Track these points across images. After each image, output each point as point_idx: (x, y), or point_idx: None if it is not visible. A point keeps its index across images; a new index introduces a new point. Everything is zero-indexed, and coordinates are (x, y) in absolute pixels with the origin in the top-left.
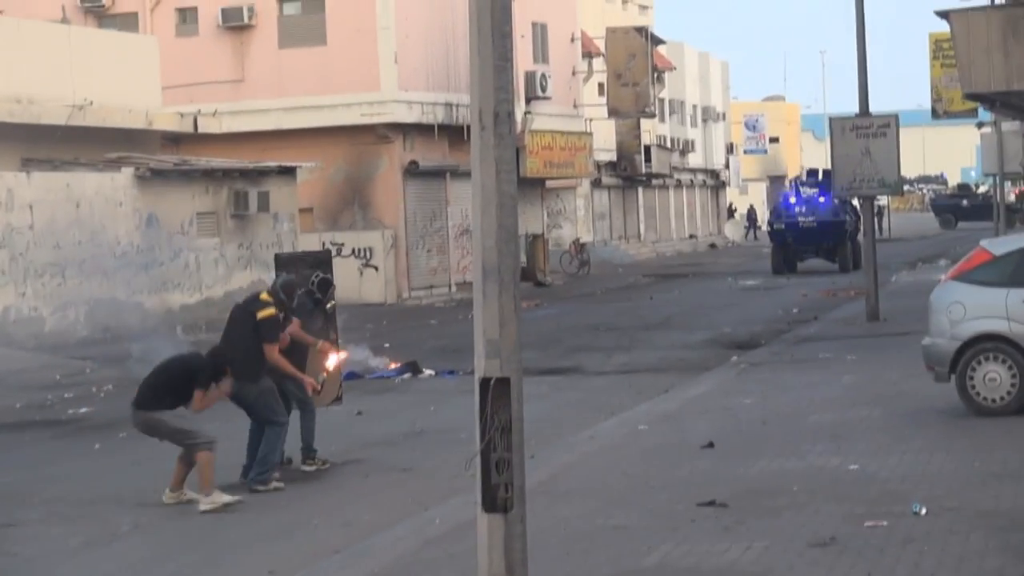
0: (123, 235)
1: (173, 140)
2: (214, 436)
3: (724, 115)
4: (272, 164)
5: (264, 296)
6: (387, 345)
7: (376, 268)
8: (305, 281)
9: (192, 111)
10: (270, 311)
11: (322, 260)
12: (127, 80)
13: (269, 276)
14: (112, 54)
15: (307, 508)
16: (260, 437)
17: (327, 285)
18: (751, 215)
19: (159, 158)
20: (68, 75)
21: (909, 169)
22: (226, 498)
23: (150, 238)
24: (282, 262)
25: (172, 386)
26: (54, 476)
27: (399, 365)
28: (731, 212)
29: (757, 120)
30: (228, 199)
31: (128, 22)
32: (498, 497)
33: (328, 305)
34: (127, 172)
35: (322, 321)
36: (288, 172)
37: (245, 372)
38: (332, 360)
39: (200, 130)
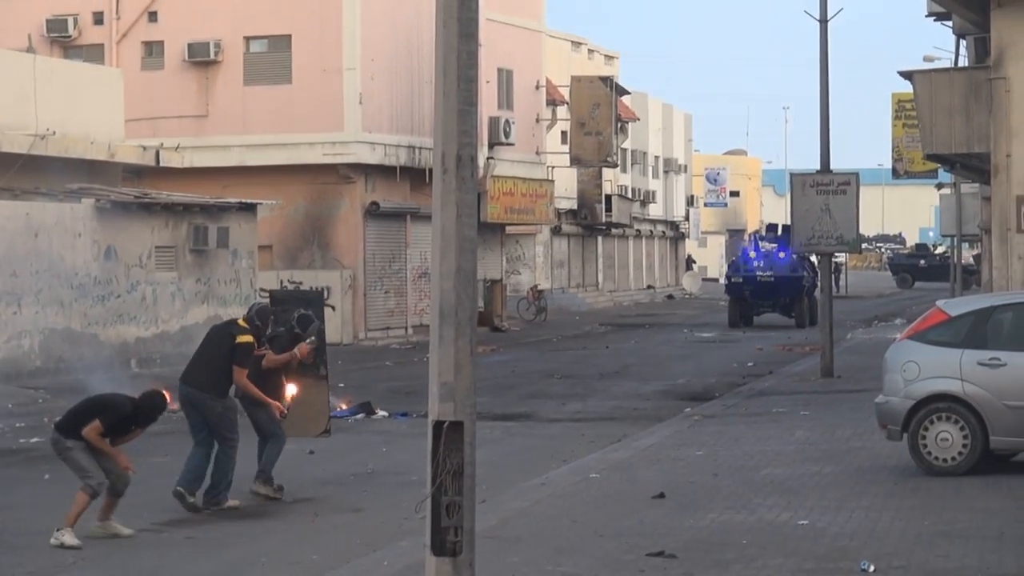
0: (81, 266)
1: (135, 173)
2: (103, 483)
3: (686, 167)
4: (233, 200)
5: (241, 322)
6: (342, 385)
7: (333, 308)
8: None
9: (155, 144)
10: (248, 337)
11: (312, 300)
12: (91, 111)
13: (226, 312)
14: (77, 85)
15: (255, 546)
16: (220, 458)
17: (307, 321)
18: None
19: (120, 190)
20: (31, 104)
21: (868, 227)
22: (70, 540)
23: (108, 270)
24: (276, 299)
25: (84, 418)
26: (2, 505)
27: (353, 405)
28: (690, 264)
29: (718, 173)
30: (187, 234)
31: (94, 53)
32: (447, 541)
33: (308, 340)
34: (87, 203)
35: (313, 357)
36: (249, 209)
37: (213, 388)
38: (291, 389)
39: (162, 164)
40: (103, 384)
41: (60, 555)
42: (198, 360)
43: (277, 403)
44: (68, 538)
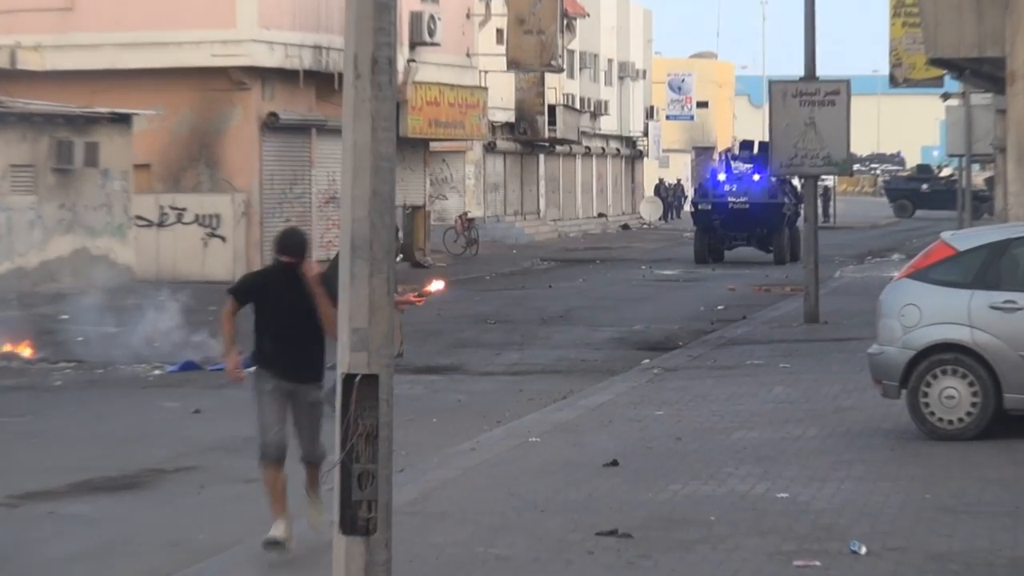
0: None
1: None
2: None
3: (644, 73)
4: (103, 110)
5: None
6: None
7: (223, 239)
8: None
9: (9, 44)
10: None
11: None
12: None
13: (93, 244)
14: None
15: (130, 523)
16: None
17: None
18: None
19: None
20: None
21: (860, 145)
22: None
23: None
24: None
25: None
26: None
27: (245, 355)
28: (658, 190)
29: (683, 80)
30: (49, 150)
31: None
32: (359, 517)
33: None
34: None
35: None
36: (122, 120)
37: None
38: (437, 285)
39: (18, 66)
40: None
41: None
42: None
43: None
44: None
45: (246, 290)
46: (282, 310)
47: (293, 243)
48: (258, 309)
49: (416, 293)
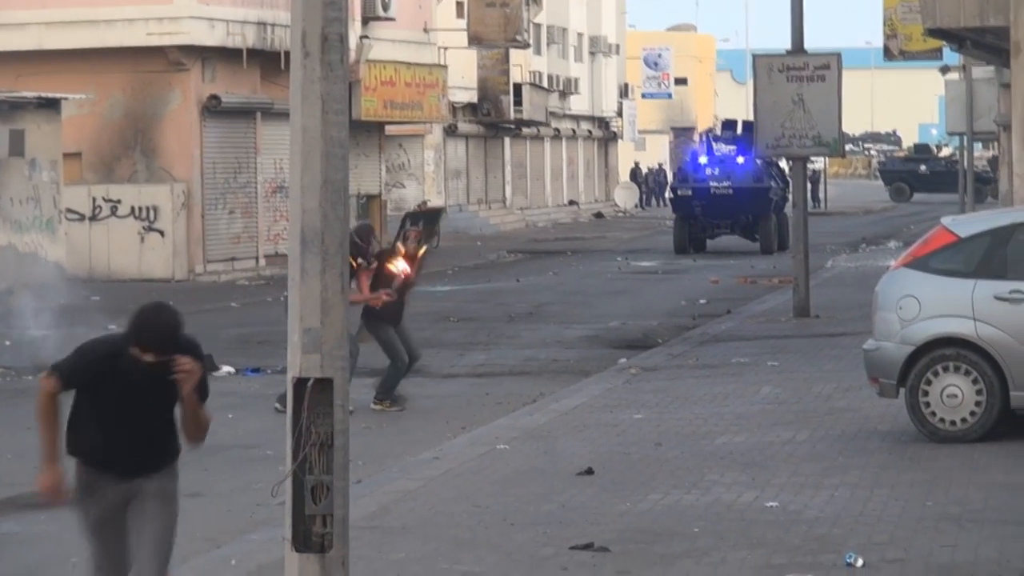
0: None
1: None
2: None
3: (617, 48)
4: (29, 94)
5: None
6: None
7: (162, 233)
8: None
9: None
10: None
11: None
12: None
13: (20, 239)
14: None
15: (64, 543)
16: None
17: (367, 232)
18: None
19: None
20: None
21: (853, 124)
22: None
23: None
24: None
25: None
26: None
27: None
28: (634, 175)
29: (660, 55)
30: None
31: None
32: (313, 533)
33: (422, 251)
34: None
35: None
36: (50, 106)
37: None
38: (399, 265)
39: None
40: None
41: None
42: None
43: (373, 295)
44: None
45: (80, 372)
46: (126, 405)
47: (157, 334)
48: (88, 397)
49: (387, 290)
